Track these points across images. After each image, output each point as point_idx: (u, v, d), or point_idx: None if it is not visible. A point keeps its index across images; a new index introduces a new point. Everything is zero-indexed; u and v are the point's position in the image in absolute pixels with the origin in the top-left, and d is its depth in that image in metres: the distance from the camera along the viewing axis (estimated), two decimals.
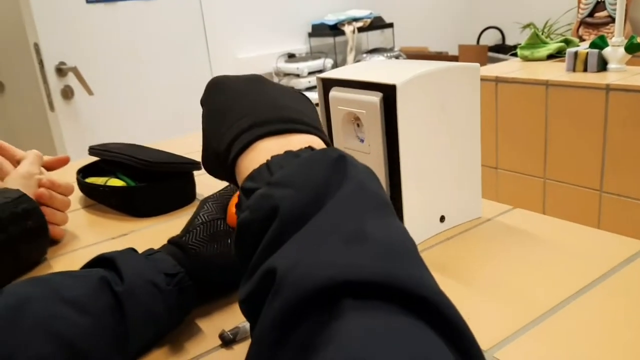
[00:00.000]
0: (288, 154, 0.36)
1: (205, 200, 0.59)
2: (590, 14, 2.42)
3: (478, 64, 0.64)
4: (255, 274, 0.31)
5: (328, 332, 0.26)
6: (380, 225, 0.32)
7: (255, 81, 0.48)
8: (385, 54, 3.05)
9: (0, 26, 2.15)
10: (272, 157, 0.36)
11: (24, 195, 0.65)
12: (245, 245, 0.34)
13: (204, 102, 0.48)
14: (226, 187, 0.61)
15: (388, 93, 0.58)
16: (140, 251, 0.53)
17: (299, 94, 0.48)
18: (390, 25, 3.21)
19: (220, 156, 0.42)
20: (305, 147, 0.38)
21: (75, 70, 2.20)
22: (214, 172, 0.46)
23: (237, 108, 0.43)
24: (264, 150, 0.39)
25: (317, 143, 0.40)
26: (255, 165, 0.37)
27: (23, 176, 0.70)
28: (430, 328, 0.26)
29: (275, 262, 0.30)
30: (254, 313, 0.31)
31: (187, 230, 0.55)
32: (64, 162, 0.83)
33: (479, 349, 0.27)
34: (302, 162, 0.35)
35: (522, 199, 1.59)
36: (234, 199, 0.58)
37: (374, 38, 3.32)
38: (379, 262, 0.29)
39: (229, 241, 0.54)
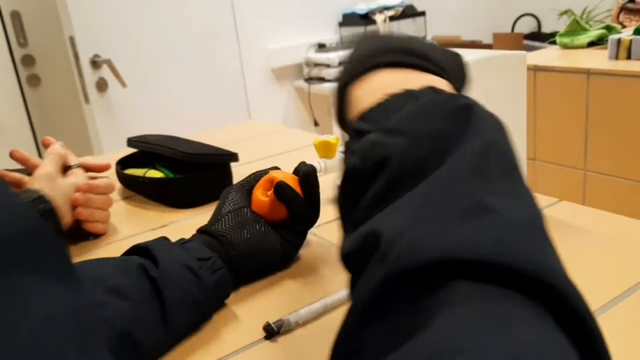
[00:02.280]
0: (407, 94, 0.32)
1: (228, 191, 0.61)
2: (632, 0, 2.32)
3: (524, 52, 0.62)
4: (359, 232, 0.28)
5: (428, 313, 0.23)
6: (505, 196, 0.27)
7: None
8: None
9: (36, 21, 2.19)
10: (390, 96, 0.32)
11: (42, 196, 0.66)
12: (350, 193, 0.32)
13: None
14: (246, 177, 0.63)
15: None
16: None
17: (451, 51, 0.43)
18: (422, 13, 3.16)
19: (339, 87, 0.38)
20: (426, 87, 0.33)
21: (109, 63, 2.23)
22: (339, 121, 0.40)
23: (368, 41, 0.39)
24: (378, 83, 0.34)
25: (441, 85, 0.34)
26: (368, 100, 0.33)
27: (45, 177, 0.71)
28: (554, 322, 0.22)
29: (381, 225, 0.27)
30: (354, 270, 0.29)
31: (215, 219, 0.57)
32: (105, 168, 0.84)
33: (608, 353, 0.24)
34: (421, 107, 0.31)
35: (561, 191, 1.55)
36: (258, 187, 0.60)
37: (406, 27, 3.27)
38: (500, 241, 0.24)
39: (257, 227, 0.57)
